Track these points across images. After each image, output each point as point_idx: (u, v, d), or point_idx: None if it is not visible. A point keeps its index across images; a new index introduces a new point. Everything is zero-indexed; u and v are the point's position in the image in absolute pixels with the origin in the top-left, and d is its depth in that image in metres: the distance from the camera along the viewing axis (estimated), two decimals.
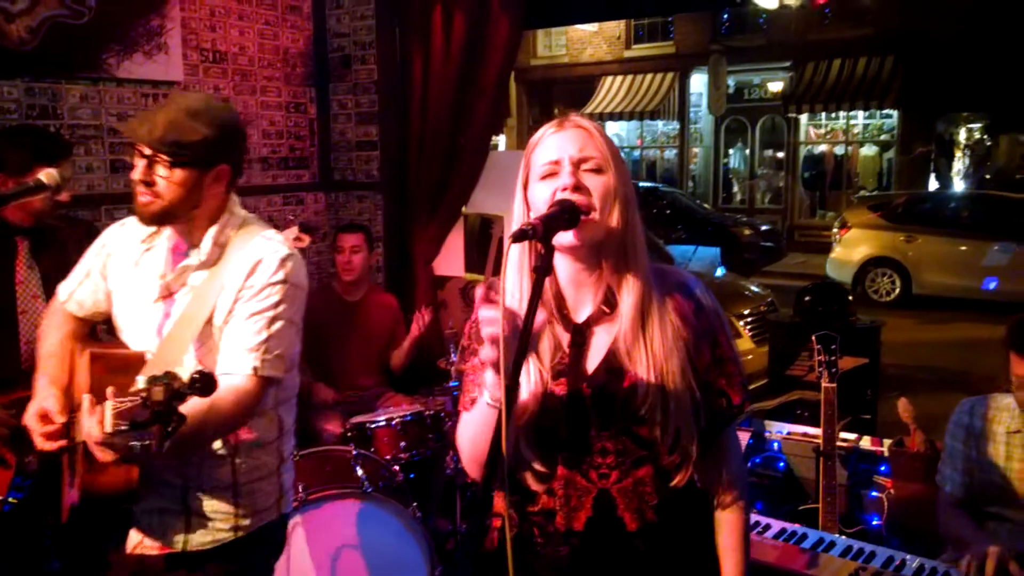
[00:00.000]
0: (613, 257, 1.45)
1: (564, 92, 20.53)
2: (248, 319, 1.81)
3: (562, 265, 1.48)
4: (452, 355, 3.52)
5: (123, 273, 1.97)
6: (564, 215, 1.36)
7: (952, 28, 13.86)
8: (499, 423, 1.20)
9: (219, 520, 1.92)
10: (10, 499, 2.52)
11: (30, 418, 1.84)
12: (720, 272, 8.04)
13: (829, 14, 17.17)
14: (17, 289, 2.59)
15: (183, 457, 1.85)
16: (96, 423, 1.47)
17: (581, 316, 1.49)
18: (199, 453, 1.88)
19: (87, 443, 1.57)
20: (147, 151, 1.78)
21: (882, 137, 18.28)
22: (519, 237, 1.28)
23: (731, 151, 20.33)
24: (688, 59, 18.97)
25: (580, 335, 1.48)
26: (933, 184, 17.04)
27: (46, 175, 2.09)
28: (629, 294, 1.44)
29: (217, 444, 1.89)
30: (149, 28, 3.71)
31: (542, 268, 1.30)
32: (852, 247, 11.84)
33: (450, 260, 4.55)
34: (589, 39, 20.23)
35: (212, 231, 1.87)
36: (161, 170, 1.78)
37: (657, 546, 1.47)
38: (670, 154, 21.03)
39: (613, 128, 20.71)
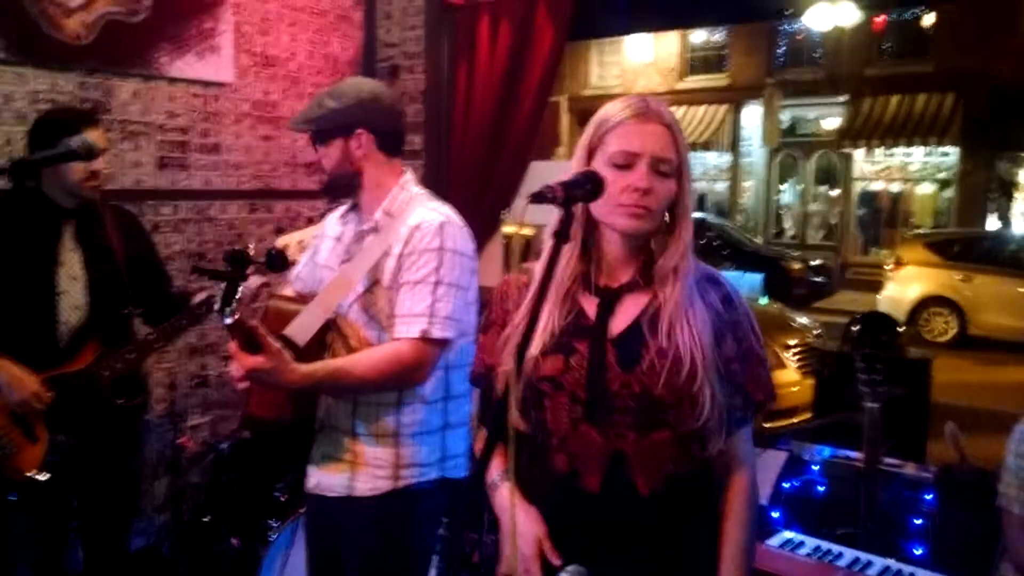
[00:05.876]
0: (659, 240, 1.49)
1: None
2: (414, 287, 2.01)
3: (612, 238, 1.50)
4: None
5: (327, 247, 2.28)
6: (586, 184, 1.35)
7: (1015, 66, 13.57)
8: (506, 393, 1.20)
9: (381, 468, 2.06)
10: (40, 476, 2.52)
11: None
12: (764, 301, 7.86)
13: (887, 47, 16.94)
14: (58, 270, 2.60)
15: (340, 396, 2.08)
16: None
17: (616, 283, 1.50)
18: (369, 401, 2.06)
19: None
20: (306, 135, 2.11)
21: (940, 175, 17.84)
22: (537, 198, 1.28)
23: (784, 186, 20.06)
24: (742, 92, 18.82)
25: (611, 299, 1.49)
26: (992, 225, 16.59)
27: (74, 140, 2.11)
28: (674, 268, 1.46)
29: (387, 394, 2.05)
30: (202, 30, 3.78)
31: (562, 233, 1.28)
32: (906, 285, 11.48)
33: (488, 269, 4.52)
34: (643, 70, 20.21)
35: (384, 202, 2.12)
36: (318, 147, 2.10)
37: (665, 514, 1.44)
38: (721, 187, 20.81)
39: None
